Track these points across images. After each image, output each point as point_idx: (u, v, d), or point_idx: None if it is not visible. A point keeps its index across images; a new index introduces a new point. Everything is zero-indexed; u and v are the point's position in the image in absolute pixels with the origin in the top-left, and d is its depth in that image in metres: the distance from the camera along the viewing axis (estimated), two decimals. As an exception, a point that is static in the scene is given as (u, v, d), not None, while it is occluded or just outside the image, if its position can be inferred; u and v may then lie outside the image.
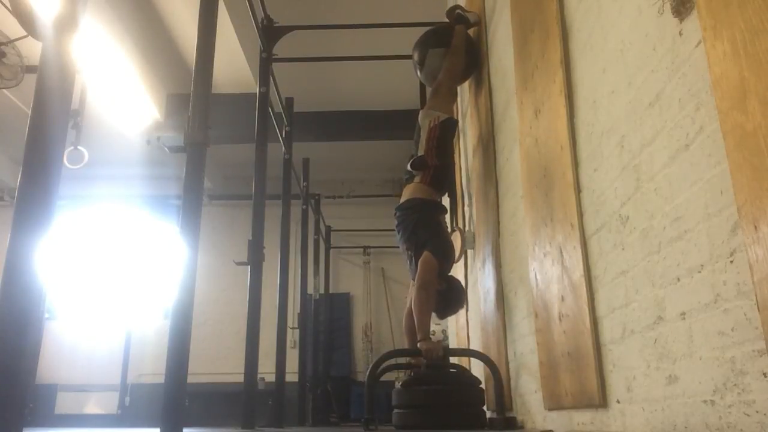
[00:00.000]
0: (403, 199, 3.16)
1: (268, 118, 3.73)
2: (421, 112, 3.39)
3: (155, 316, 8.02)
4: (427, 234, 2.99)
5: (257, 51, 3.87)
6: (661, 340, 1.32)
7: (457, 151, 4.23)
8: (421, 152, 3.17)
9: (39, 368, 7.23)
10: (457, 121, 3.48)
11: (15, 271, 1.18)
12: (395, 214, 3.16)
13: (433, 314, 3.01)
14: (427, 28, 3.74)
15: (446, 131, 3.23)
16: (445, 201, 4.40)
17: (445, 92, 3.41)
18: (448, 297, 3.02)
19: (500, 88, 3.02)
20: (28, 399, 1.15)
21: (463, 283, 3.93)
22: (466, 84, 3.78)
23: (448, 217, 4.25)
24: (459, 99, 4.14)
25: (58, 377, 7.64)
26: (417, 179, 3.13)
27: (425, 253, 2.89)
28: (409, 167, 3.20)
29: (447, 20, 3.64)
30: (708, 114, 1.12)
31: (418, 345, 2.75)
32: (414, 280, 3.03)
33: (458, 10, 3.59)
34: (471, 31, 3.54)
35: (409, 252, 3.02)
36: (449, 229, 4.01)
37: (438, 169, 3.14)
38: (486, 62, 3.35)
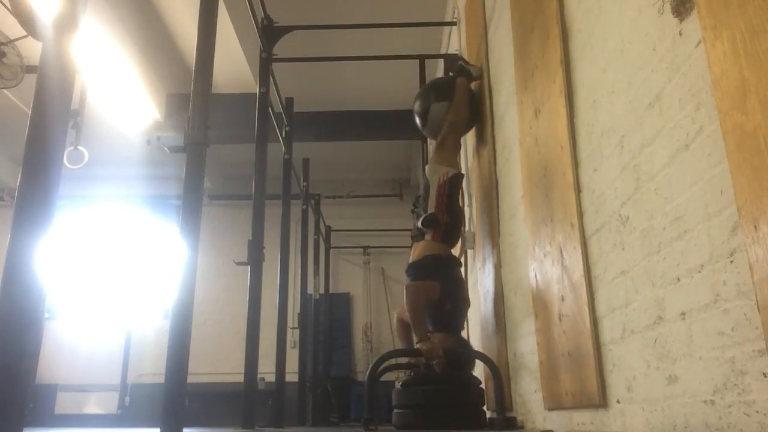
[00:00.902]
0: (414, 258, 3.10)
1: (268, 118, 3.73)
2: (427, 167, 3.33)
3: (155, 316, 8.02)
4: (442, 281, 2.91)
5: (257, 51, 3.87)
6: (661, 340, 1.32)
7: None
8: (431, 209, 3.11)
9: (39, 368, 7.23)
10: (463, 175, 3.43)
11: (15, 271, 1.18)
12: (407, 272, 3.10)
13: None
14: (426, 27, 3.73)
15: (455, 187, 3.22)
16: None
17: (450, 145, 3.36)
18: (458, 359, 2.84)
19: (500, 88, 3.02)
20: (28, 399, 1.15)
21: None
22: (466, 84, 3.77)
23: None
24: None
25: (58, 377, 7.64)
26: (428, 237, 3.08)
27: (433, 282, 2.84)
28: (419, 225, 3.14)
29: (446, 68, 3.60)
30: (708, 114, 1.12)
31: (418, 345, 2.75)
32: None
33: (460, 62, 3.55)
34: (473, 84, 3.50)
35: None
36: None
37: (449, 226, 3.10)
38: (486, 62, 3.35)
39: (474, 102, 3.45)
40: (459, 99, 3.35)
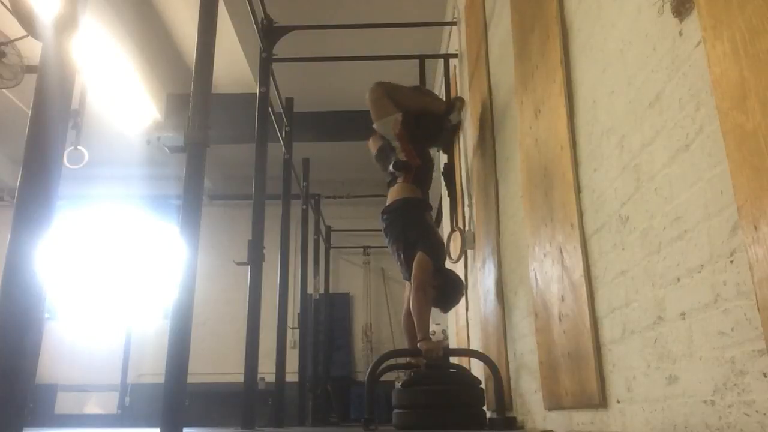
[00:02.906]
0: (388, 202, 3.19)
1: (268, 118, 3.74)
2: (375, 125, 3.42)
3: (155, 316, 8.01)
4: (416, 233, 3.01)
5: (257, 51, 3.87)
6: (661, 340, 1.32)
7: (456, 151, 4.23)
8: (403, 159, 3.20)
9: (39, 368, 7.13)
10: (409, 112, 3.33)
11: (15, 271, 1.18)
12: (382, 217, 3.18)
13: (433, 312, 3.02)
14: (426, 27, 3.74)
15: (410, 127, 3.25)
16: (446, 201, 4.40)
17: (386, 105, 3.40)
18: (447, 290, 3.06)
19: (500, 89, 3.02)
20: (28, 399, 1.15)
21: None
22: (467, 84, 3.78)
23: (448, 217, 4.26)
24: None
25: (58, 377, 7.64)
26: (400, 179, 3.18)
27: (419, 254, 2.91)
28: (391, 168, 3.23)
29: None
30: (708, 114, 1.12)
31: (418, 345, 2.76)
32: (407, 279, 3.05)
33: (459, 103, 3.68)
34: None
35: (399, 252, 3.04)
36: (449, 229, 4.02)
37: (420, 168, 3.20)
38: (486, 62, 3.35)
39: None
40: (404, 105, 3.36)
